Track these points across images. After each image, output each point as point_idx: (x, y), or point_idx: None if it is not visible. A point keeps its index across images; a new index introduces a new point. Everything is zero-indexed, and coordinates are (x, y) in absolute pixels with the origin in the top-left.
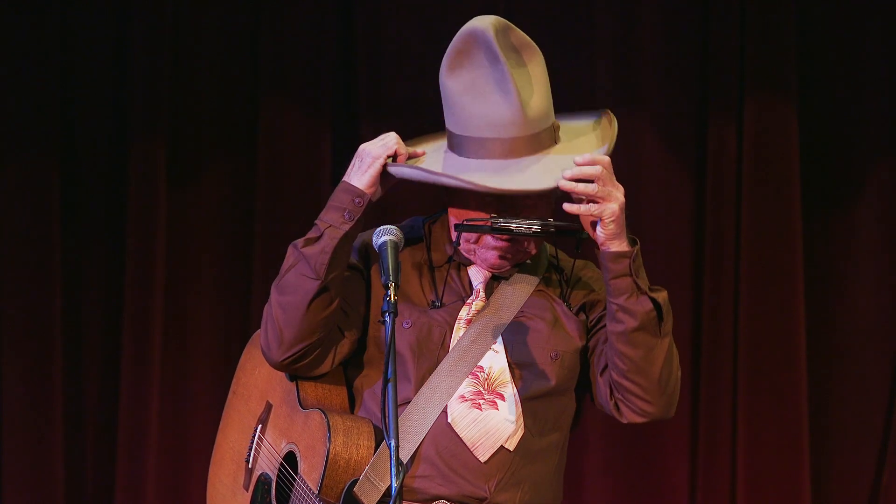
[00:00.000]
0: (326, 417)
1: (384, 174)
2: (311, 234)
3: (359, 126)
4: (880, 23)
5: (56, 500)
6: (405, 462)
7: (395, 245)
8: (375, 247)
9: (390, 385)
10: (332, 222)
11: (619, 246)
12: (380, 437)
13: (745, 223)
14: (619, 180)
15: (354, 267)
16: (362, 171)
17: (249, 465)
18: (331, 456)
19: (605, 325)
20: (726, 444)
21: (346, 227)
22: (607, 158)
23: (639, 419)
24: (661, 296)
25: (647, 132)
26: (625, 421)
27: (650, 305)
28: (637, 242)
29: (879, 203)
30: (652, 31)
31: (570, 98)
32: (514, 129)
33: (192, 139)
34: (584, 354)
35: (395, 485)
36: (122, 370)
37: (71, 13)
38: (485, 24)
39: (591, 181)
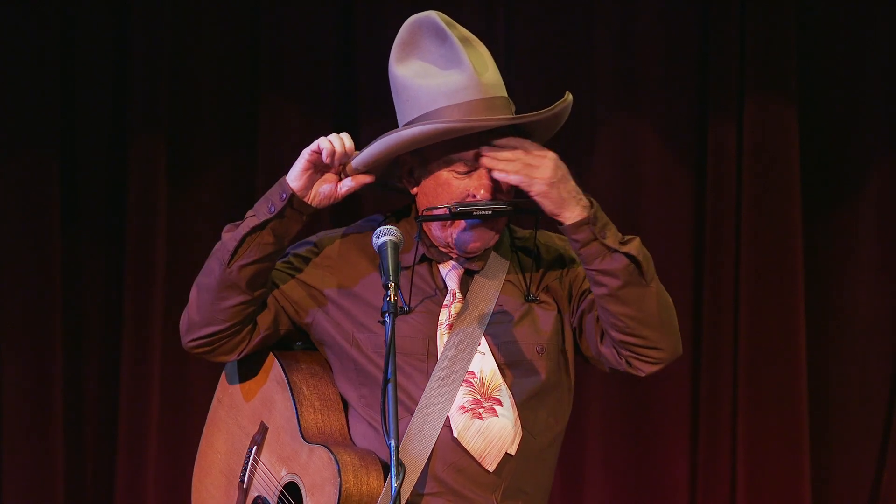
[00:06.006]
0: (334, 455)
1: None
2: (237, 223)
3: (359, 126)
4: (880, 23)
5: (56, 498)
6: (414, 483)
7: (396, 245)
8: (375, 247)
9: (390, 385)
10: (256, 212)
11: (573, 215)
12: (386, 469)
13: (745, 223)
14: (619, 181)
15: (308, 284)
16: (293, 167)
17: (244, 486)
18: (343, 496)
19: (588, 297)
20: (726, 444)
21: (264, 217)
22: (524, 141)
23: (654, 368)
24: (634, 246)
25: (647, 132)
26: (643, 374)
27: (626, 260)
28: (594, 203)
29: (879, 203)
30: (652, 32)
31: None
32: (469, 93)
33: (192, 139)
34: (574, 335)
35: (394, 485)
36: (122, 370)
37: (71, 13)
38: (429, 13)
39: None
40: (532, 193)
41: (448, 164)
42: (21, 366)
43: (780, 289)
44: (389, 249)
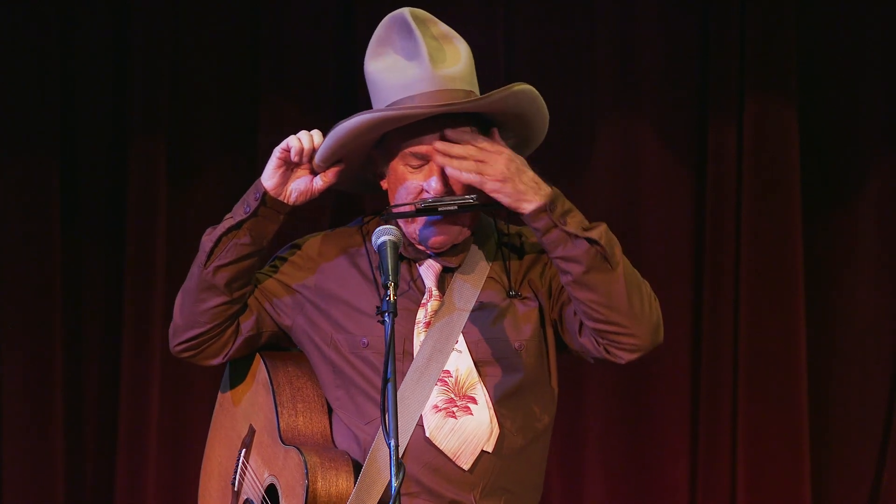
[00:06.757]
0: (303, 456)
1: (317, 174)
2: (216, 226)
3: None
4: (880, 23)
5: (56, 498)
6: (385, 484)
7: (395, 245)
8: (375, 247)
9: (390, 385)
10: (233, 214)
11: (531, 204)
12: (358, 470)
13: (745, 223)
14: (619, 181)
15: (287, 285)
16: (266, 166)
17: (235, 488)
18: (310, 497)
19: (563, 288)
20: (726, 444)
21: (240, 217)
22: (475, 137)
23: (632, 356)
24: (598, 231)
25: (647, 132)
26: (622, 362)
27: (587, 245)
28: (554, 191)
29: (879, 203)
30: (652, 32)
31: (569, 98)
32: (423, 85)
33: (192, 139)
34: (555, 328)
35: (394, 485)
36: (122, 369)
37: (71, 13)
38: (402, 10)
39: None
40: (487, 191)
41: (403, 157)
42: (21, 366)
43: (780, 289)
44: (389, 249)
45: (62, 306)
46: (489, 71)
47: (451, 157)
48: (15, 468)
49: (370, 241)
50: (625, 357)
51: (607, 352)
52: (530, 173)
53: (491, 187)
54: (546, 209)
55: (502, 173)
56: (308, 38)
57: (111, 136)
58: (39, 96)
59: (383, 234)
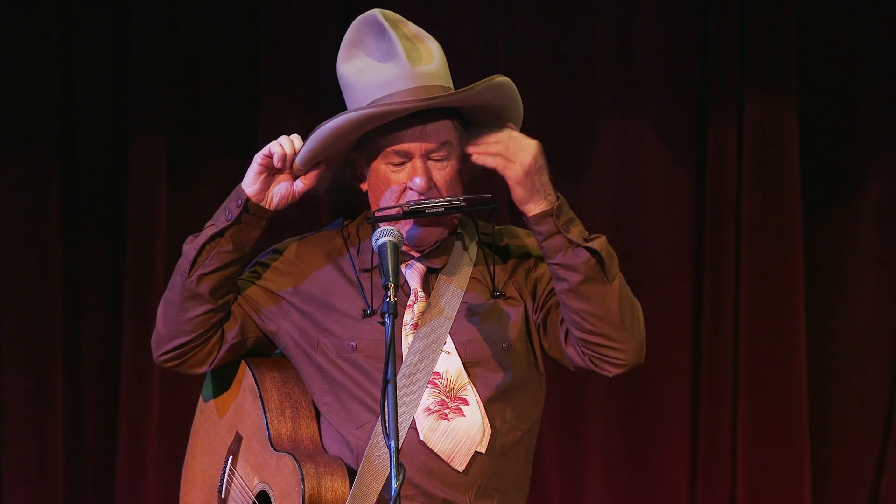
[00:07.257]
0: (298, 463)
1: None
2: (197, 234)
3: None
4: (880, 23)
5: (56, 498)
6: (380, 488)
7: (395, 246)
8: (375, 248)
9: (390, 386)
10: (215, 221)
11: (538, 206)
12: (352, 476)
13: (745, 223)
14: (619, 181)
15: (271, 291)
16: (247, 172)
17: (222, 496)
18: (306, 502)
19: (554, 297)
20: (726, 444)
21: (222, 225)
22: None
23: (618, 370)
24: (599, 242)
25: (647, 132)
26: (610, 375)
27: (587, 255)
28: (560, 198)
29: (879, 203)
30: (652, 32)
31: (569, 98)
32: (401, 83)
33: (192, 139)
34: (538, 333)
35: (395, 486)
36: (122, 370)
37: (71, 13)
38: (373, 11)
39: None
40: (507, 176)
41: (384, 156)
42: (21, 365)
43: (780, 289)
44: (389, 250)
45: (62, 306)
46: (489, 71)
47: (484, 141)
48: (15, 468)
49: (352, 244)
50: (612, 371)
51: (593, 363)
52: (546, 176)
53: (513, 174)
54: (552, 214)
55: (530, 164)
56: (308, 38)
57: (111, 136)
58: (39, 96)
59: (384, 236)
